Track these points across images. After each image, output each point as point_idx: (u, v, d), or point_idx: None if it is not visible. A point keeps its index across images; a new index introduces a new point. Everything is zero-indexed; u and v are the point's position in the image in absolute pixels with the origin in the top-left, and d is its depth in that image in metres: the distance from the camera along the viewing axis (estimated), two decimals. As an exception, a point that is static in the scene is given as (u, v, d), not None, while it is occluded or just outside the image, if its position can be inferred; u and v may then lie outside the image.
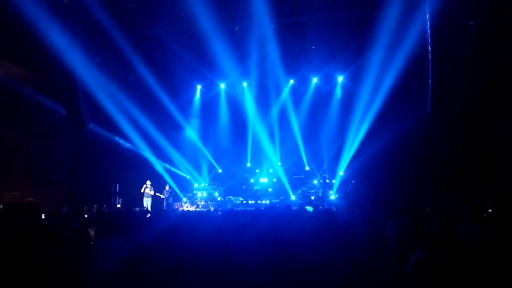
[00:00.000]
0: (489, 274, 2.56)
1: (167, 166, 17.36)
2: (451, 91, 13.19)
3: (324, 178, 16.18)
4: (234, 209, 15.02)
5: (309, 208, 10.42)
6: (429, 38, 13.48)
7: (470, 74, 12.88)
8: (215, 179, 18.25)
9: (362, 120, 16.10)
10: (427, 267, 2.33)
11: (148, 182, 15.62)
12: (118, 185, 16.20)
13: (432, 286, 2.31)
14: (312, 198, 16.10)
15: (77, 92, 14.10)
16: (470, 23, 12.67)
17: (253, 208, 12.60)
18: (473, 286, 2.45)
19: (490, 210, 6.94)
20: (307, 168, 17.98)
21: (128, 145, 15.68)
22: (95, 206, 11.60)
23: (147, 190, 15.46)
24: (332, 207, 13.53)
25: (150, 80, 15.51)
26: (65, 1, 12.41)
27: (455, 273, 2.41)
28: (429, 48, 13.61)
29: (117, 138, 15.25)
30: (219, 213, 7.83)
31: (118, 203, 15.48)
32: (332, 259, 3.71)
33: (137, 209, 13.48)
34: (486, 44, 12.46)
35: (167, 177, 16.84)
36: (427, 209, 6.96)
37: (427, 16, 13.00)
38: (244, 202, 17.01)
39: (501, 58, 12.68)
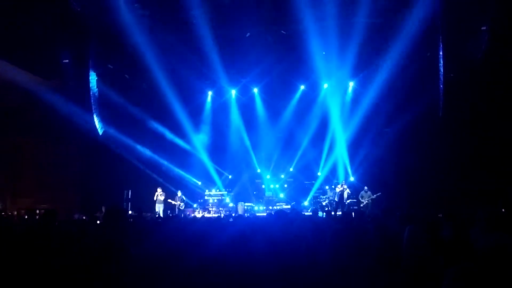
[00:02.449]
0: (508, 283, 2.51)
1: (179, 171, 17.45)
2: (463, 95, 13.08)
3: (336, 184, 16.06)
4: (245, 215, 15.03)
5: (321, 214, 10.39)
6: (441, 42, 13.44)
7: (481, 79, 12.76)
8: (226, 185, 18.25)
9: (374, 126, 16.01)
10: (465, 282, 2.25)
11: (159, 189, 15.69)
12: (130, 191, 16.31)
13: None
14: (324, 203, 16.01)
15: (90, 99, 14.33)
16: (482, 28, 12.58)
17: (265, 214, 12.61)
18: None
19: (504, 216, 6.81)
20: (319, 173, 17.90)
21: (141, 151, 15.81)
22: (103, 208, 11.72)
23: (159, 197, 15.52)
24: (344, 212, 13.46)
25: (162, 86, 15.65)
26: (78, 9, 12.60)
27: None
28: (441, 53, 13.56)
29: (129, 143, 15.35)
30: (231, 219, 7.82)
31: (129, 210, 15.58)
32: (346, 266, 3.68)
33: (149, 214, 13.56)
34: (498, 49, 12.32)
35: (179, 183, 16.93)
36: (440, 215, 6.87)
37: (439, 21, 12.97)
38: (256, 208, 16.95)
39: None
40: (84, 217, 11.36)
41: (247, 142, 18.19)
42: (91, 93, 14.45)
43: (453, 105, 13.39)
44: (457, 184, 12.98)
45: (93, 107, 14.62)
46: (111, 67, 14.83)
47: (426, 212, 7.56)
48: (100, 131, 14.89)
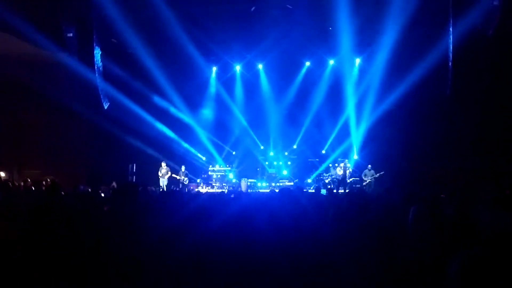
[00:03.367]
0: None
1: (184, 146, 17.51)
2: (472, 74, 12.87)
3: (339, 162, 16.04)
4: (248, 191, 15.14)
5: (323, 191, 10.43)
6: (451, 19, 13.12)
7: (493, 57, 12.50)
8: (230, 161, 18.31)
9: (380, 103, 15.85)
10: (474, 269, 2.21)
11: (164, 164, 15.78)
12: (135, 165, 16.41)
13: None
14: (327, 181, 16.07)
15: (94, 72, 14.25)
16: (494, 3, 12.23)
17: (268, 191, 12.65)
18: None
19: (508, 195, 6.80)
20: (323, 151, 17.88)
21: (145, 126, 15.80)
22: (113, 183, 11.83)
23: (163, 171, 15.64)
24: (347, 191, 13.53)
25: (167, 61, 15.53)
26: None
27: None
28: (451, 29, 13.26)
29: (134, 118, 15.32)
30: (232, 195, 7.87)
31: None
32: (348, 245, 3.69)
33: (152, 188, 13.69)
34: (509, 24, 12.02)
35: (183, 158, 17.00)
36: (443, 195, 6.86)
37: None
38: (259, 184, 17.04)
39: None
40: (89, 189, 11.46)
41: (252, 118, 18.13)
42: (95, 67, 14.36)
43: (461, 83, 13.19)
44: (462, 164, 12.92)
45: (98, 81, 14.56)
46: (115, 41, 14.65)
47: (429, 191, 7.55)
48: (105, 105, 14.87)
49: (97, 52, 14.47)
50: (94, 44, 14.22)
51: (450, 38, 13.33)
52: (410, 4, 12.85)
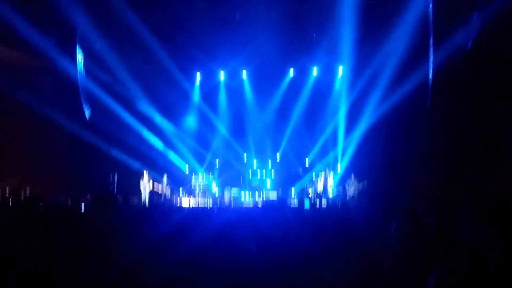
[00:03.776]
0: (491, 276, 2.51)
1: (167, 155, 17.31)
2: (452, 86, 13.14)
3: (324, 173, 16.08)
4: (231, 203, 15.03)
5: (306, 202, 10.47)
6: (431, 30, 13.41)
7: (471, 69, 12.79)
8: (213, 170, 18.16)
9: (362, 113, 16.00)
10: (453, 282, 2.24)
11: (146, 173, 15.57)
12: (116, 174, 16.16)
13: None
14: (311, 192, 16.07)
15: (76, 80, 14.05)
16: (473, 17, 12.55)
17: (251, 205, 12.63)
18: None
19: (489, 208, 6.91)
20: (307, 162, 17.89)
21: (128, 134, 15.59)
22: (89, 195, 11.55)
23: (145, 181, 15.41)
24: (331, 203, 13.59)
25: (150, 67, 15.42)
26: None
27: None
28: (431, 40, 13.53)
29: (116, 126, 15.09)
30: (215, 211, 7.82)
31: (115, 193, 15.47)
32: (331, 258, 3.68)
33: (135, 199, 13.49)
34: (488, 38, 12.35)
35: (165, 168, 16.77)
36: (424, 206, 6.93)
37: (430, 8, 12.89)
38: (243, 194, 16.94)
39: (503, 52, 12.59)
40: (69, 200, 11.23)
41: (235, 127, 18.06)
42: (78, 74, 14.16)
43: (441, 96, 13.44)
44: (443, 175, 13.11)
45: (80, 88, 14.36)
46: (98, 48, 14.49)
47: (411, 203, 7.62)
48: (87, 113, 14.65)
49: (80, 59, 14.26)
50: (77, 50, 14.01)
51: (430, 51, 13.61)
52: (392, 16, 13.11)
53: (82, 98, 14.30)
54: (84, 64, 14.28)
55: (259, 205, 12.02)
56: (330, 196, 15.37)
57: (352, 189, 15.28)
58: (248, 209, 10.31)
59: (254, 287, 3.56)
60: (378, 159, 15.24)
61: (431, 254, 3.39)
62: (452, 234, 3.99)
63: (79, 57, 14.07)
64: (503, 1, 10.88)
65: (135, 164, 15.85)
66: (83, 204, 9.33)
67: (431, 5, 12.76)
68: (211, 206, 13.78)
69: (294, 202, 13.54)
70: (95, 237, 4.24)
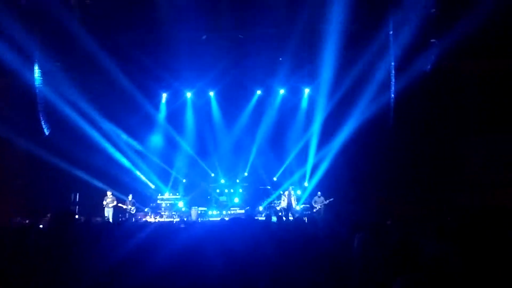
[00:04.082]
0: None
1: (132, 174, 16.94)
2: (413, 107, 13.63)
3: (292, 190, 16.20)
4: (198, 220, 14.82)
5: (274, 219, 10.42)
6: (392, 54, 13.95)
7: (431, 92, 13.33)
8: (179, 189, 17.91)
9: (327, 133, 16.33)
10: None
11: (109, 193, 15.13)
12: (78, 194, 15.61)
13: None
14: (278, 208, 16.10)
15: (35, 98, 13.57)
16: (432, 40, 13.17)
17: (218, 219, 12.45)
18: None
19: (450, 225, 7.13)
20: (274, 179, 17.99)
21: (90, 153, 15.12)
22: (48, 215, 11.05)
23: (108, 201, 14.97)
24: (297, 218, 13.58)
25: (114, 86, 15.15)
26: (23, 1, 11.89)
27: None
28: (392, 63, 14.08)
29: (77, 144, 14.63)
30: (182, 225, 7.66)
31: (76, 213, 14.90)
32: (297, 269, 3.67)
33: (98, 219, 13.03)
34: (448, 62, 12.94)
35: (130, 187, 16.36)
36: (388, 222, 7.08)
37: (391, 32, 13.43)
38: (210, 213, 16.76)
39: (463, 77, 13.20)
40: (27, 221, 10.72)
41: (202, 145, 17.97)
42: (36, 91, 13.69)
43: (403, 116, 13.90)
44: (406, 193, 13.45)
45: (39, 106, 13.86)
46: (59, 64, 14.10)
47: (376, 218, 7.77)
48: (46, 131, 14.13)
49: (38, 76, 13.78)
50: (36, 67, 13.55)
51: (392, 73, 14.12)
52: (356, 41, 13.57)
53: (40, 116, 13.79)
54: (43, 81, 13.77)
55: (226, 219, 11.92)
56: (296, 212, 15.45)
57: (318, 205, 15.46)
58: (214, 223, 10.14)
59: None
60: (345, 177, 15.50)
61: (392, 268, 3.45)
62: (416, 249, 4.08)
63: (37, 73, 13.56)
64: (461, 26, 11.47)
65: (98, 184, 15.38)
66: (41, 226, 8.93)
67: (391, 31, 13.29)
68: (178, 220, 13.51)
69: (261, 217, 13.50)
70: (53, 255, 4.04)
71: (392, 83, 14.13)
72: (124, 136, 16.53)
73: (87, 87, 15.08)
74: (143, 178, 17.39)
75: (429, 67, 13.14)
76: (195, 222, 10.44)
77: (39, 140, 13.80)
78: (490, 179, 12.59)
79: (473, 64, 13.24)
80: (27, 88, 13.39)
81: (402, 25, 12.79)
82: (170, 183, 17.86)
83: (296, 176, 17.38)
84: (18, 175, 14.36)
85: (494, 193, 12.10)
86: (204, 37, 13.88)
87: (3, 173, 14.03)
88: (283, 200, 15.80)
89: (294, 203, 15.67)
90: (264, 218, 10.71)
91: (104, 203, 14.90)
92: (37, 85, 13.67)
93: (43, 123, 14.03)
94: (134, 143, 17.03)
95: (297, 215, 14.50)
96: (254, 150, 17.75)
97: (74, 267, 4.19)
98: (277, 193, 17.11)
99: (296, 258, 4.16)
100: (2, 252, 4.56)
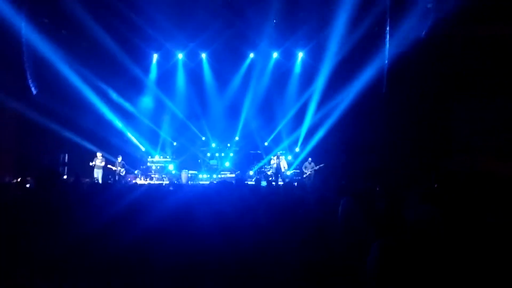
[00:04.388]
0: (434, 255, 2.61)
1: (123, 135, 16.84)
2: (406, 73, 13.52)
3: (282, 155, 16.29)
4: (188, 183, 14.91)
5: (263, 183, 10.52)
6: (388, 18, 13.69)
7: (424, 58, 13.18)
8: (170, 152, 17.89)
9: (319, 98, 16.26)
10: (388, 258, 2.31)
11: (99, 154, 15.07)
12: (67, 155, 15.52)
13: (393, 276, 2.31)
14: (269, 173, 16.23)
15: (22, 56, 13.17)
16: (428, 5, 12.90)
17: (207, 183, 12.53)
18: (420, 268, 2.48)
19: (436, 190, 7.23)
20: (266, 144, 18.02)
21: (79, 113, 14.92)
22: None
23: (97, 162, 14.93)
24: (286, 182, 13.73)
25: (104, 45, 14.75)
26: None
27: (420, 258, 2.43)
28: (387, 28, 13.84)
29: (66, 105, 14.39)
30: (171, 187, 7.68)
31: (65, 174, 14.89)
32: (281, 238, 3.71)
33: (87, 180, 13.03)
34: (443, 28, 12.73)
35: (120, 149, 16.29)
36: (377, 188, 7.14)
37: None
38: (200, 176, 16.86)
39: (457, 43, 13.03)
40: (14, 181, 10.68)
41: (193, 108, 17.80)
42: (23, 49, 13.28)
43: (396, 82, 13.81)
44: (396, 159, 13.57)
45: (26, 64, 13.49)
46: (47, 21, 13.64)
47: (364, 184, 7.83)
48: (34, 91, 13.83)
49: (26, 33, 13.33)
50: (23, 24, 13.08)
51: (386, 39, 13.91)
52: (350, 4, 13.25)
53: (28, 74, 13.44)
54: (30, 39, 13.34)
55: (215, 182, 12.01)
56: (286, 177, 15.61)
57: (308, 171, 15.60)
58: (204, 186, 10.21)
59: (210, 262, 3.55)
60: (336, 143, 15.56)
61: (374, 232, 3.50)
62: (399, 214, 4.13)
63: (24, 29, 13.10)
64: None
65: (88, 145, 15.28)
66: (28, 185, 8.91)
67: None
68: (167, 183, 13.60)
69: (251, 182, 13.64)
70: (40, 215, 4.03)
71: (386, 48, 13.95)
72: (114, 96, 16.25)
73: (76, 46, 14.68)
74: (133, 140, 17.31)
75: (424, 33, 12.93)
76: (184, 185, 10.46)
77: (28, 100, 13.56)
78: (480, 144, 12.70)
79: (468, 30, 13.05)
80: (14, 45, 12.97)
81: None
82: (160, 146, 17.81)
83: (287, 142, 17.43)
84: (7, 136, 14.19)
85: (483, 159, 12.23)
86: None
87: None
88: (273, 165, 15.92)
89: (284, 168, 15.78)
90: (253, 183, 10.79)
91: (93, 163, 14.87)
92: (23, 42, 13.24)
93: (30, 82, 13.71)
94: (125, 104, 16.79)
95: (287, 180, 14.66)
96: (245, 114, 17.65)
97: (61, 227, 4.19)
98: (268, 158, 17.20)
99: (283, 221, 4.20)
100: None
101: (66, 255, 3.79)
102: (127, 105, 16.88)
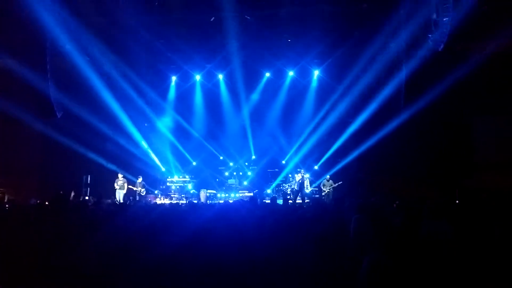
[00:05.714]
0: (443, 271, 2.58)
1: (143, 156, 17.15)
2: (425, 88, 13.38)
3: (297, 172, 16.21)
4: (207, 202, 14.96)
5: (279, 201, 10.49)
6: (404, 34, 13.66)
7: (443, 72, 13.05)
8: (189, 172, 18.08)
9: (337, 115, 16.23)
10: (376, 272, 2.33)
11: (120, 175, 15.36)
12: (89, 176, 15.87)
13: None
14: (288, 191, 16.16)
15: (47, 79, 13.70)
16: (444, 19, 12.83)
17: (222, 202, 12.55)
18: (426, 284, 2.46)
19: (457, 207, 7.08)
20: (283, 162, 18.02)
21: (102, 135, 15.31)
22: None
23: (119, 183, 15.21)
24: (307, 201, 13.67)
25: (125, 70, 15.23)
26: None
27: (410, 273, 2.42)
28: (404, 44, 13.80)
29: (90, 127, 14.78)
30: (183, 206, 7.77)
31: (87, 195, 15.20)
32: (293, 254, 3.71)
33: (109, 201, 13.25)
34: (459, 41, 12.63)
35: (140, 169, 16.59)
36: (395, 205, 7.05)
37: (403, 12, 13.14)
38: (219, 195, 16.93)
39: (474, 56, 12.87)
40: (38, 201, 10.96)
41: (211, 128, 18.02)
42: (48, 73, 13.81)
43: (415, 97, 13.67)
44: (415, 174, 13.34)
45: (51, 88, 14.01)
46: (69, 48, 14.17)
47: (381, 200, 7.74)
48: (59, 114, 14.31)
49: (53, 57, 13.87)
50: (47, 50, 13.64)
51: (403, 53, 13.86)
52: (367, 19, 13.32)
53: (53, 99, 13.93)
54: (55, 65, 13.86)
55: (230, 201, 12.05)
56: (306, 194, 15.48)
57: (327, 189, 15.47)
58: (220, 204, 10.27)
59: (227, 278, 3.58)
60: (354, 160, 15.43)
61: (391, 249, 3.47)
62: (415, 231, 4.07)
63: (49, 54, 13.64)
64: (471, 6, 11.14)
65: (110, 166, 15.62)
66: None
67: (402, 10, 13.00)
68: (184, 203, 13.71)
69: (267, 200, 13.61)
70: (54, 235, 4.15)
71: (403, 64, 13.89)
72: (134, 118, 16.62)
73: (99, 69, 15.16)
74: (155, 159, 17.59)
75: (441, 47, 12.82)
76: (203, 204, 10.54)
77: (52, 123, 14.03)
78: (501, 161, 12.37)
79: (488, 44, 12.89)
80: (38, 69, 13.48)
81: (414, 3, 12.50)
82: (183, 167, 18.06)
83: (305, 160, 17.37)
84: (34, 157, 14.63)
85: (505, 176, 11.89)
86: (212, 19, 13.74)
87: (20, 154, 14.30)
88: (294, 183, 15.81)
89: (307, 188, 15.61)
90: (269, 201, 10.77)
91: (116, 185, 15.14)
92: (48, 69, 13.79)
93: (55, 106, 14.19)
94: (145, 125, 17.17)
95: (306, 198, 14.55)
96: (262, 133, 17.75)
97: (82, 249, 4.29)
98: (283, 175, 17.19)
99: (296, 238, 4.20)
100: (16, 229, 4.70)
101: (82, 277, 3.87)
102: (147, 126, 17.23)
